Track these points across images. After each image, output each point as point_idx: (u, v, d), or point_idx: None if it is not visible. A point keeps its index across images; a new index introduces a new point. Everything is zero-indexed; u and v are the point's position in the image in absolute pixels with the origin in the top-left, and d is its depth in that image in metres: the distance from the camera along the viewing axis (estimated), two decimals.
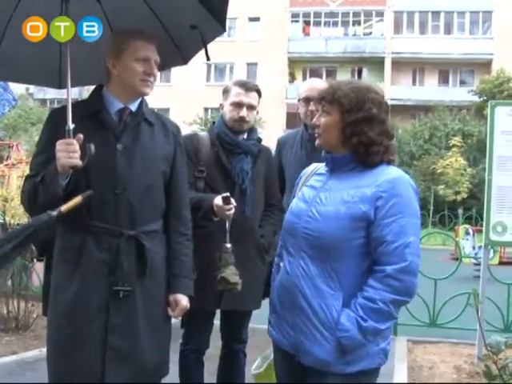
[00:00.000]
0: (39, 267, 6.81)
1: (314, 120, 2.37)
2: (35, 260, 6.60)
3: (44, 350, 5.10)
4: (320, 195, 2.27)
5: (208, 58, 2.80)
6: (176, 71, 33.01)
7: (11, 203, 6.75)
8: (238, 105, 3.34)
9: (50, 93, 37.22)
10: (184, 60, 3.07)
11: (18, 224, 6.67)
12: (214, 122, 3.55)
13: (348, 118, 2.23)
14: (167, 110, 32.98)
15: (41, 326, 5.99)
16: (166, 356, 2.66)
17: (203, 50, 2.90)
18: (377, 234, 2.14)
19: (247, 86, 3.39)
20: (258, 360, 2.60)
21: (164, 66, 2.80)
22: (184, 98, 34.84)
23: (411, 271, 2.13)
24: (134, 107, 2.61)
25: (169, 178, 2.67)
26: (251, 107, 3.37)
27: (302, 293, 2.20)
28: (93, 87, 2.73)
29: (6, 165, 11.08)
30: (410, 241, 2.13)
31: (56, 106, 38.81)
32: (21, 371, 4.69)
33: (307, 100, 3.71)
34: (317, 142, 2.37)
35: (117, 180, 2.48)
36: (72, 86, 2.58)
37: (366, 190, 2.17)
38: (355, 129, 2.23)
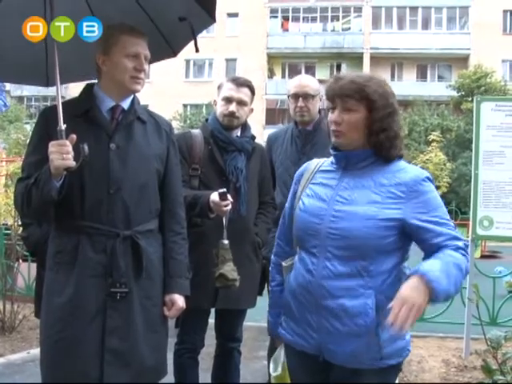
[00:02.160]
0: (24, 268, 6.75)
1: (335, 118, 2.24)
2: (20, 260, 6.56)
3: (32, 351, 5.12)
4: (340, 194, 2.21)
5: (197, 50, 2.76)
6: (155, 67, 32.65)
7: None
8: (228, 100, 3.32)
9: (27, 90, 36.84)
10: (173, 52, 3.03)
11: (4, 224, 6.59)
12: (206, 119, 3.52)
13: (377, 114, 2.17)
14: (146, 106, 32.62)
15: (27, 328, 5.97)
16: (164, 357, 2.63)
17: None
18: (427, 229, 2.12)
19: (238, 82, 3.37)
20: (271, 365, 2.58)
21: (154, 59, 2.73)
22: (163, 94, 34.59)
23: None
24: (126, 105, 2.56)
25: (162, 177, 2.64)
26: (242, 102, 3.34)
27: (330, 294, 2.14)
28: (71, 85, 2.66)
29: None
30: (452, 225, 2.17)
31: (33, 103, 38.70)
32: (9, 373, 4.62)
33: (296, 96, 3.69)
34: (336, 140, 2.26)
35: (111, 180, 2.44)
36: (61, 83, 2.52)
37: (394, 190, 2.16)
38: (383, 125, 2.18)
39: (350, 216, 2.15)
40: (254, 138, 3.48)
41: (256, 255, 3.38)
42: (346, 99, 2.20)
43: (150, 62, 2.61)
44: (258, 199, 3.46)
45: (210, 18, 2.82)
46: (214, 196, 3.08)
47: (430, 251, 2.13)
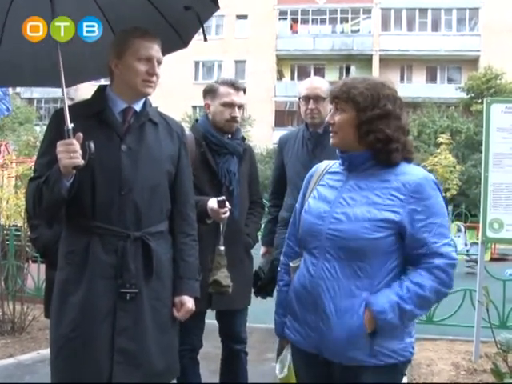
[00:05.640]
0: (34, 269, 6.78)
1: (328, 118, 2.34)
2: (30, 262, 6.60)
3: (41, 352, 5.14)
4: (343, 196, 2.24)
5: (205, 39, 2.83)
6: (164, 69, 32.60)
7: (6, 204, 6.67)
8: (231, 105, 3.33)
9: (37, 92, 37.04)
10: (184, 43, 3.02)
11: (14, 225, 6.63)
12: (196, 120, 3.53)
13: (363, 115, 2.21)
14: (156, 108, 32.86)
15: (36, 329, 6.00)
16: (175, 357, 2.64)
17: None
18: (416, 237, 2.13)
19: (237, 86, 3.37)
20: (277, 366, 2.57)
21: (166, 51, 2.73)
22: (172, 96, 34.57)
23: (454, 266, 2.15)
24: (138, 107, 2.58)
25: (173, 179, 2.65)
26: (241, 106, 3.39)
27: (328, 294, 2.16)
28: (81, 87, 2.66)
29: None
30: (449, 239, 2.18)
31: (43, 105, 38.87)
32: (20, 374, 4.65)
33: (307, 98, 3.70)
34: (331, 141, 2.33)
35: (122, 181, 2.45)
36: (76, 83, 2.53)
37: (395, 193, 2.16)
38: (371, 126, 2.20)
39: (350, 218, 2.17)
40: (244, 139, 3.51)
41: (248, 255, 3.47)
42: (336, 100, 2.29)
43: (163, 53, 2.62)
44: (248, 200, 3.50)
45: (214, 4, 2.81)
46: (213, 203, 3.11)
47: (409, 260, 2.18)
